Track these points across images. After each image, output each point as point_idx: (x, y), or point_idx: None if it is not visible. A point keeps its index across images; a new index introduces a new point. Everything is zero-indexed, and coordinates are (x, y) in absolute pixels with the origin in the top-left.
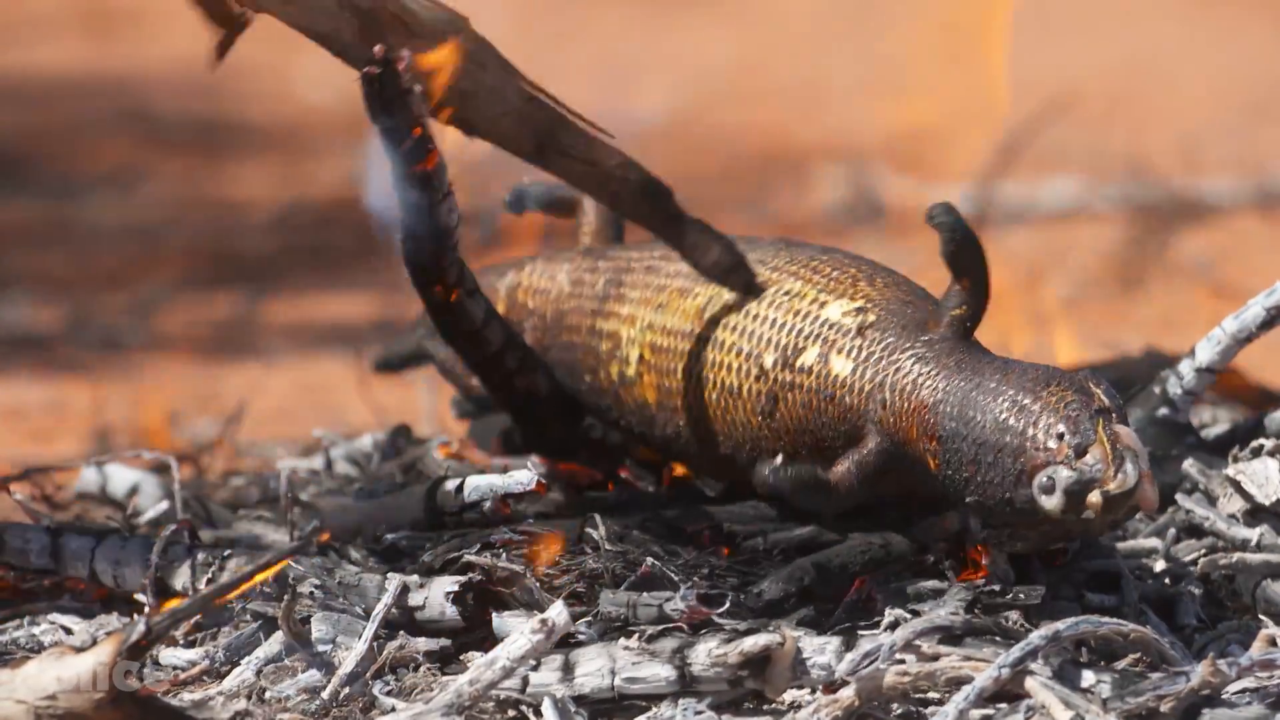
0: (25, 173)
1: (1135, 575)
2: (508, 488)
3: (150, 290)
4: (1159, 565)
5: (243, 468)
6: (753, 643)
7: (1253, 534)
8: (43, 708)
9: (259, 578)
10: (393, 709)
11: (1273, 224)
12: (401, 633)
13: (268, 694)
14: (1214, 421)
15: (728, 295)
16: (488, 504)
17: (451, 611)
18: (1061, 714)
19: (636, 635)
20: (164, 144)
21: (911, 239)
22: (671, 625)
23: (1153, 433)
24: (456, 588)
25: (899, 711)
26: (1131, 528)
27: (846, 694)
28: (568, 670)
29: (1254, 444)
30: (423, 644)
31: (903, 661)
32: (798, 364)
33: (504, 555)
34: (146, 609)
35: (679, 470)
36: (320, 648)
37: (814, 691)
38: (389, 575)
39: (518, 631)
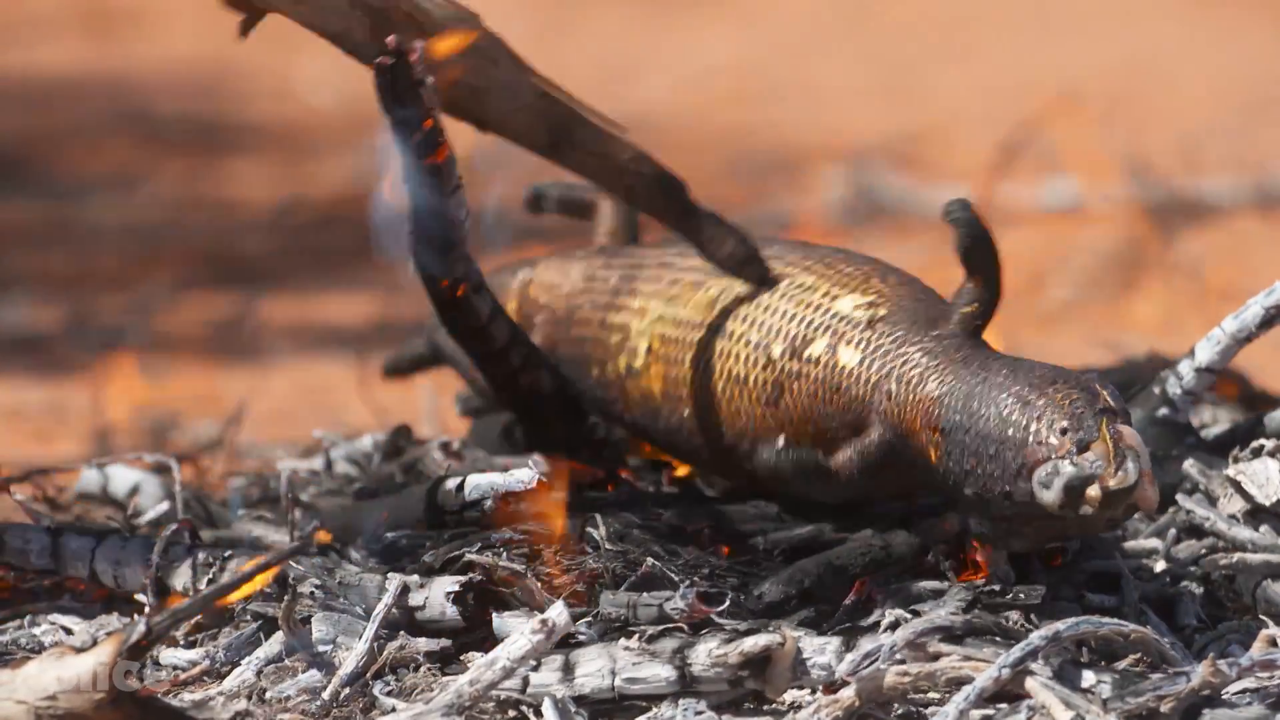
0: (25, 173)
1: (1135, 575)
2: (508, 486)
3: (150, 291)
4: (1159, 565)
5: (243, 468)
6: (753, 643)
7: (1253, 534)
8: (43, 708)
9: (259, 579)
10: (393, 709)
11: (1273, 224)
12: (402, 633)
13: (268, 694)
14: (1214, 421)
15: (740, 288)
16: (488, 502)
17: (452, 611)
18: (1062, 714)
19: (637, 635)
20: (164, 144)
21: (912, 239)
22: (672, 625)
23: (1153, 433)
24: (457, 588)
25: (899, 712)
26: (1131, 528)
27: (847, 694)
28: (568, 670)
29: (1254, 444)
30: (423, 644)
31: (903, 662)
32: (806, 354)
33: (504, 555)
34: (147, 609)
35: (680, 470)
36: (320, 648)
37: (814, 692)
38: (389, 575)
39: (518, 632)
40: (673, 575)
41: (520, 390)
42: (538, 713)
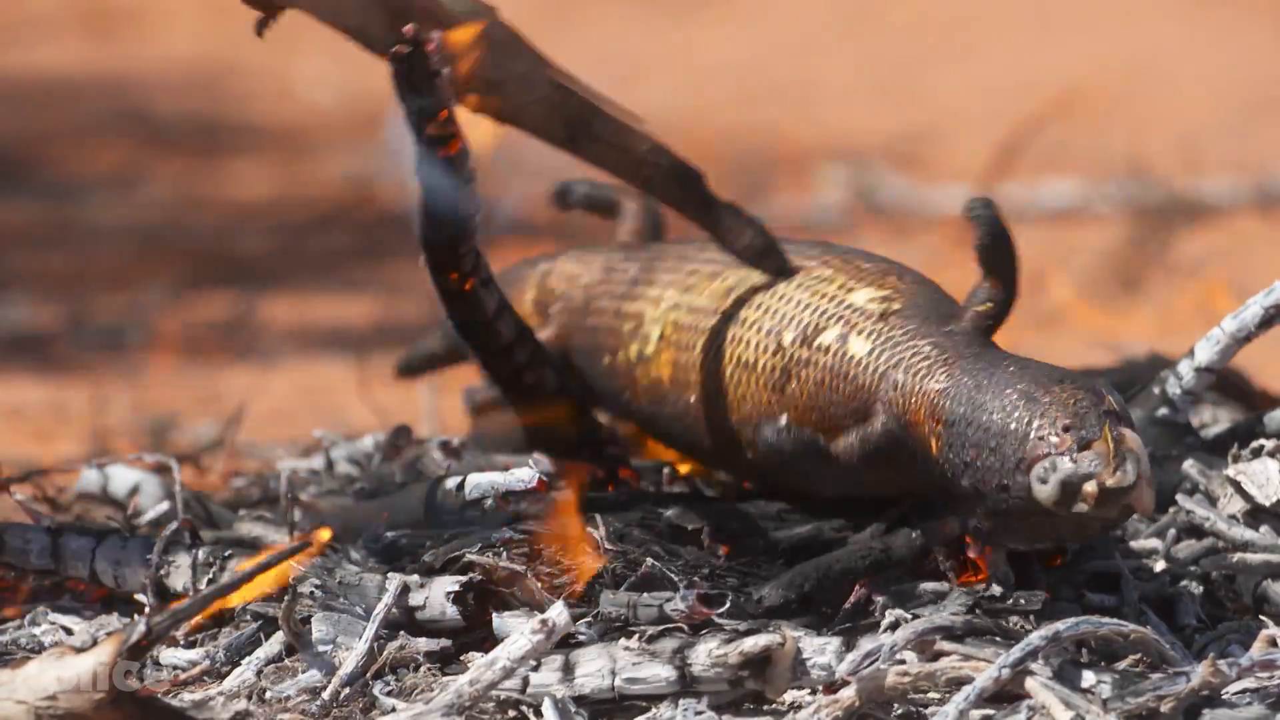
0: (25, 173)
1: (1135, 575)
2: (509, 485)
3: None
4: (1159, 565)
5: (243, 468)
6: (753, 643)
7: (1253, 534)
8: (43, 708)
9: (259, 579)
10: (393, 709)
11: (1273, 224)
12: (402, 633)
13: (268, 694)
14: (1214, 421)
15: (758, 278)
16: (489, 502)
17: (452, 611)
18: (1062, 714)
19: (637, 635)
20: (164, 144)
21: (912, 239)
22: (672, 625)
23: (1152, 433)
24: (457, 587)
25: (899, 712)
26: (1131, 528)
27: (847, 694)
28: (568, 670)
29: (1254, 444)
30: (423, 644)
31: (903, 662)
32: (816, 342)
33: (505, 555)
34: (147, 609)
35: (682, 469)
36: (320, 648)
37: (814, 692)
38: (389, 575)
39: (518, 632)
40: (673, 576)
41: (523, 387)
42: (538, 713)
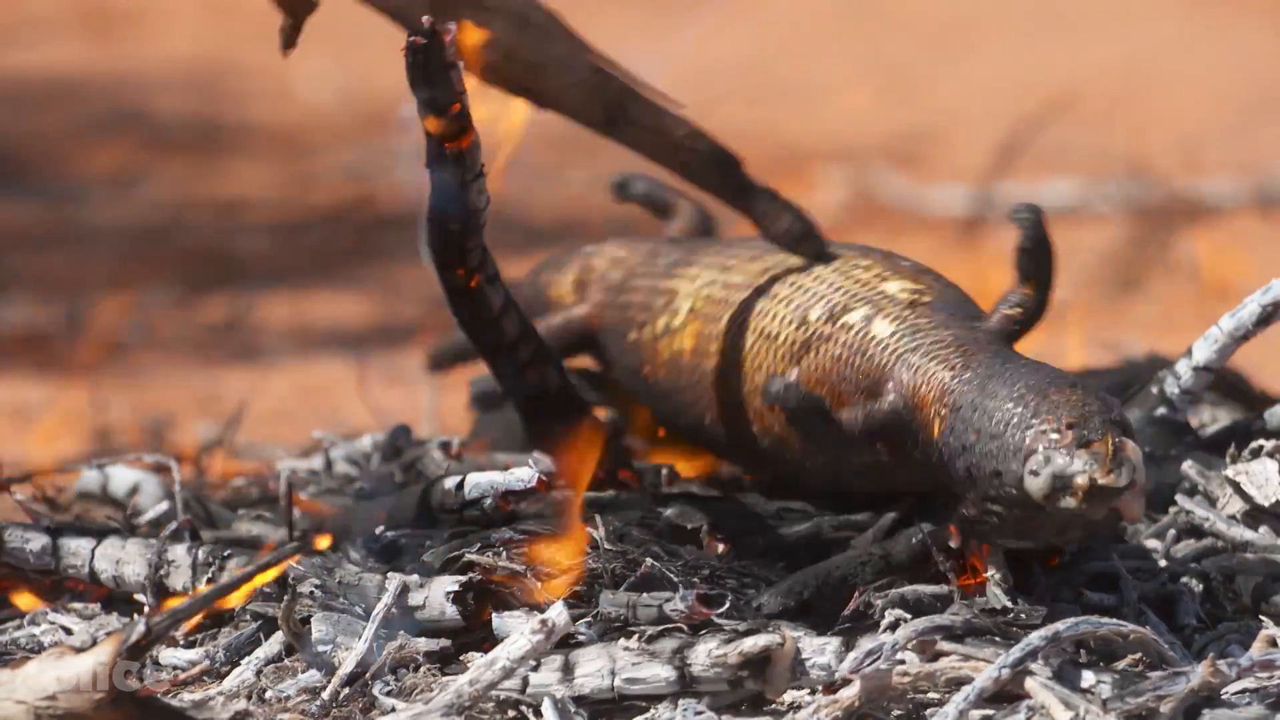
0: (25, 173)
1: (1135, 576)
2: (509, 485)
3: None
4: (1159, 566)
5: (243, 468)
6: (752, 643)
7: (1253, 535)
8: (43, 708)
9: (259, 579)
10: (393, 709)
11: (1273, 224)
12: (401, 633)
13: (268, 694)
14: (1213, 421)
15: (796, 261)
16: (488, 501)
17: (451, 611)
18: (1061, 714)
19: (636, 636)
20: (164, 144)
21: (912, 239)
22: (671, 625)
23: (1151, 432)
24: (457, 587)
25: (899, 712)
26: (1132, 528)
27: (847, 694)
28: (568, 671)
29: (1253, 445)
30: (423, 644)
31: (903, 662)
32: (842, 320)
33: (504, 555)
34: (147, 609)
35: (682, 472)
36: (320, 648)
37: (814, 692)
38: (389, 575)
39: (518, 632)
40: (672, 576)
41: (526, 385)
42: (537, 713)
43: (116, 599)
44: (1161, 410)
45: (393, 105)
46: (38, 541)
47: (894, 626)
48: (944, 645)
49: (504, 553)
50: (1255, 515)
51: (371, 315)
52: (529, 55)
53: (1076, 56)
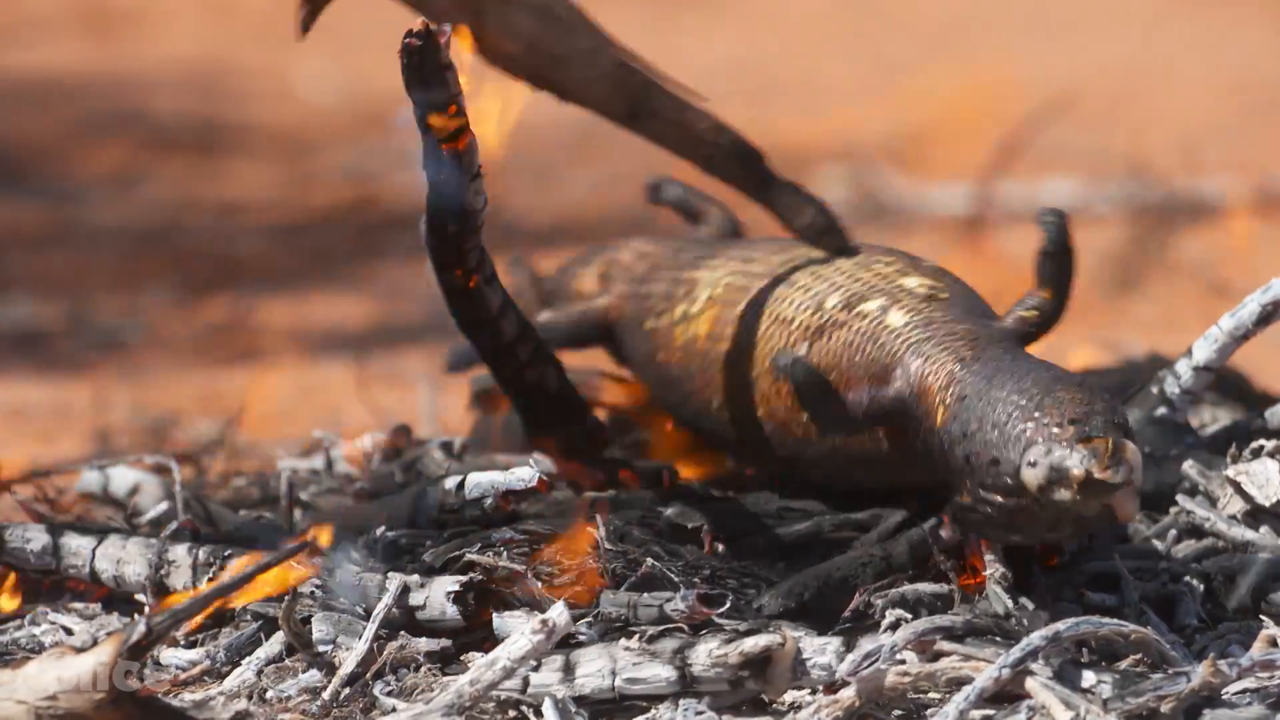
0: (25, 173)
1: (1136, 576)
2: (509, 484)
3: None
4: (1160, 566)
5: (243, 468)
6: (753, 643)
7: (1253, 535)
8: (43, 708)
9: (259, 579)
10: (393, 709)
11: (1273, 224)
12: (402, 633)
13: (268, 694)
14: (1213, 421)
15: (818, 254)
16: (489, 501)
17: (452, 611)
18: (1062, 714)
19: (637, 636)
20: (164, 144)
21: (912, 239)
22: (672, 625)
23: (1151, 432)
24: (457, 587)
25: (899, 712)
26: (1132, 529)
27: (847, 694)
28: (568, 671)
29: (1254, 445)
30: (423, 644)
31: (903, 662)
32: (858, 309)
33: (505, 555)
34: (147, 609)
35: (683, 472)
36: (321, 648)
37: (815, 692)
38: (389, 575)
39: (518, 632)
40: (673, 576)
41: (525, 385)
42: (538, 713)
43: (117, 599)
44: (1161, 410)
45: (392, 105)
46: (39, 541)
47: (894, 627)
48: (944, 645)
49: (504, 553)
50: (1256, 515)
51: (371, 315)
52: (552, 48)
53: (1076, 56)
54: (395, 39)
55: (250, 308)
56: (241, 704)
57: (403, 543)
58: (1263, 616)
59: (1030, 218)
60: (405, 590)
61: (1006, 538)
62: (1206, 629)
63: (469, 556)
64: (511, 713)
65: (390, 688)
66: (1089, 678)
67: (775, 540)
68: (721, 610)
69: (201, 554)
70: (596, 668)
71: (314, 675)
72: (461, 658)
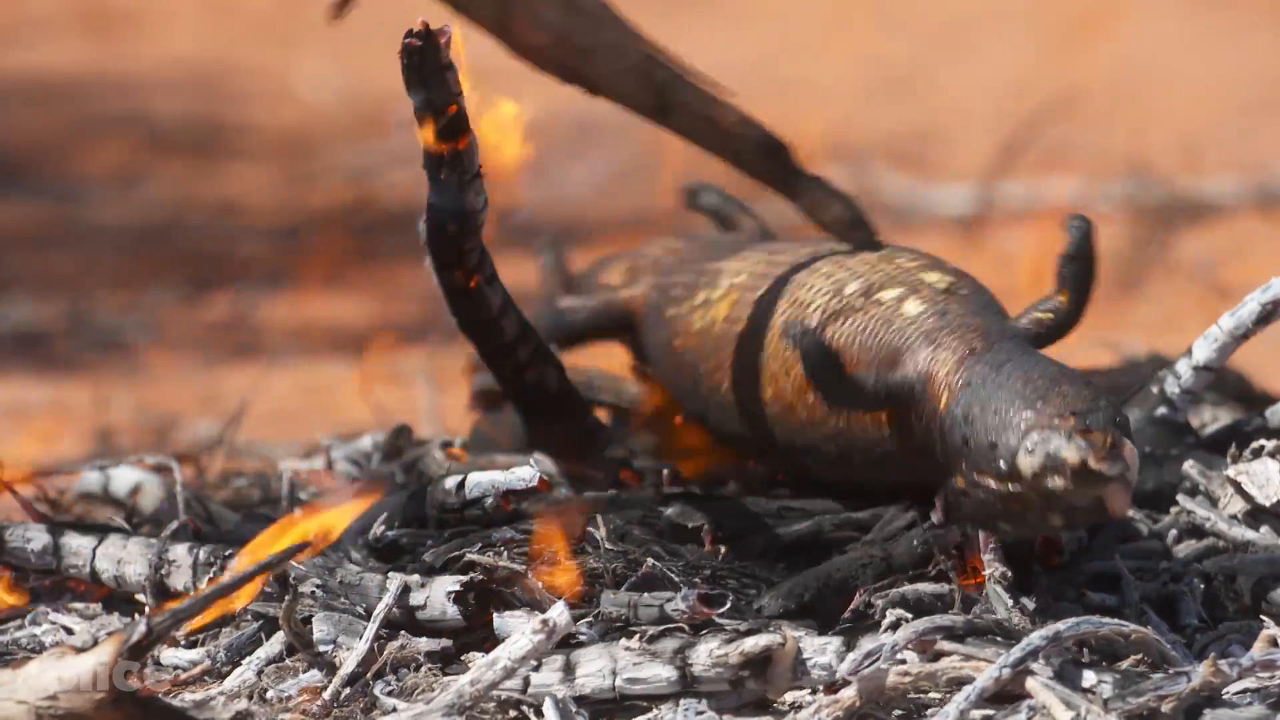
0: (25, 173)
1: (1136, 576)
2: (510, 484)
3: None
4: (1160, 566)
5: (244, 468)
6: (754, 643)
7: (1253, 535)
8: (44, 708)
9: (260, 578)
10: (394, 709)
11: (1273, 224)
12: (403, 633)
13: (269, 694)
14: (1214, 421)
15: (845, 249)
16: (489, 500)
17: (453, 611)
18: (1062, 714)
19: (637, 636)
20: (164, 144)
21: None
22: (672, 625)
23: (1151, 432)
24: (458, 587)
25: (900, 712)
26: (1133, 529)
27: (848, 694)
28: (569, 670)
29: (1254, 445)
30: (424, 644)
31: (904, 662)
32: (876, 296)
33: (505, 554)
34: (147, 609)
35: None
36: (321, 648)
37: (815, 692)
38: (390, 575)
39: (519, 632)
40: (673, 576)
41: (526, 385)
42: (538, 713)
43: (118, 599)
44: (1162, 410)
45: (393, 106)
46: (39, 541)
47: (895, 626)
48: (945, 645)
49: (505, 552)
50: (1256, 515)
51: (372, 315)
52: (580, 40)
53: (1076, 56)
54: (395, 39)
55: (251, 307)
56: (242, 704)
57: (403, 542)
58: (1264, 616)
59: (1030, 218)
60: (406, 590)
61: (995, 526)
62: (1207, 629)
63: (469, 556)
64: (512, 713)
65: (391, 688)
66: (1089, 677)
67: (775, 541)
68: (722, 610)
69: (202, 554)
70: (597, 668)
71: (314, 675)
72: (462, 658)
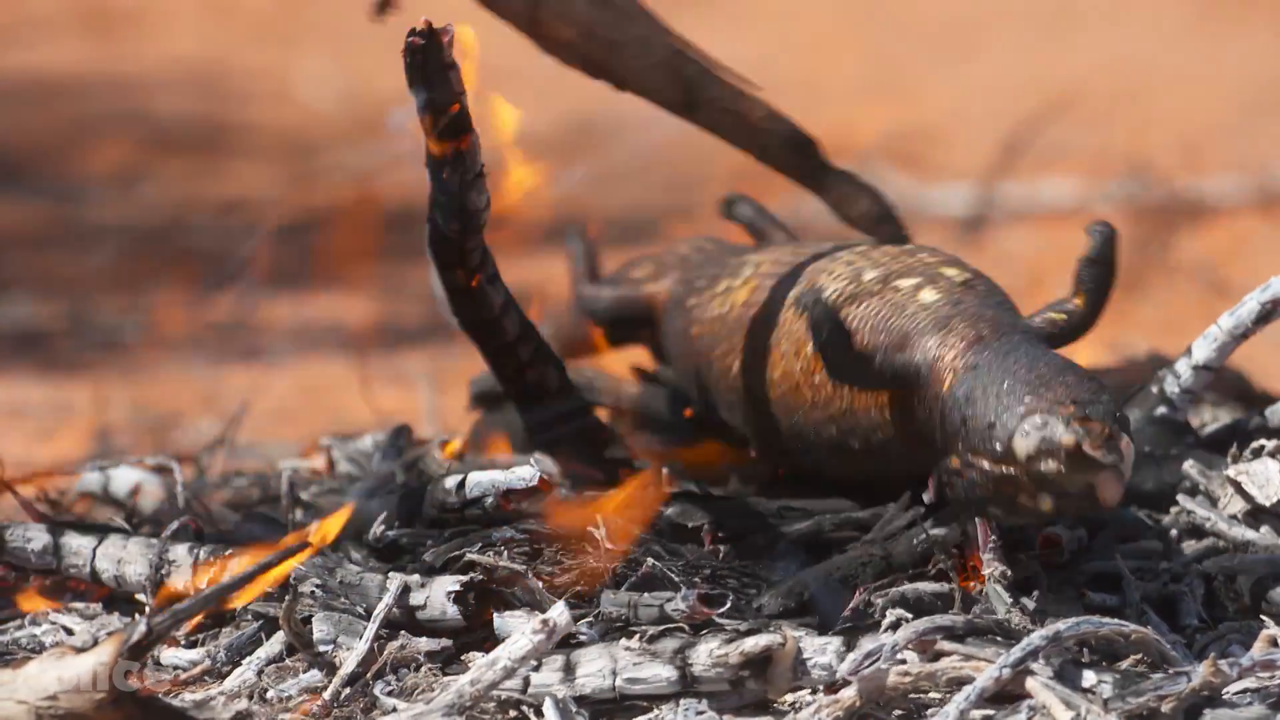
0: (25, 174)
1: (1136, 576)
2: (510, 484)
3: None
4: (1160, 566)
5: (244, 468)
6: (754, 643)
7: (1254, 535)
8: (44, 708)
9: (260, 578)
10: (394, 709)
11: (1273, 223)
12: (403, 633)
13: (269, 694)
14: (1213, 421)
15: (869, 244)
16: (490, 500)
17: (453, 611)
18: (1062, 714)
19: (638, 635)
20: (164, 144)
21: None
22: (673, 625)
23: (1151, 432)
24: (458, 587)
25: (900, 712)
26: (1133, 529)
27: (848, 694)
28: (569, 670)
29: (1254, 444)
30: (424, 644)
31: (904, 662)
32: (892, 284)
33: (505, 554)
34: (147, 609)
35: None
36: (321, 648)
37: (815, 692)
38: (390, 575)
39: (519, 632)
40: (673, 576)
41: (527, 384)
42: (539, 713)
43: (118, 599)
44: (1161, 410)
45: (393, 106)
46: (39, 541)
47: (895, 626)
48: (945, 645)
49: (505, 552)
50: (1256, 515)
51: (372, 315)
52: (609, 34)
53: (1076, 56)
54: (396, 39)
55: (251, 307)
56: (242, 704)
57: (403, 542)
58: (1264, 616)
59: (1030, 218)
60: (406, 590)
61: (985, 509)
62: (1207, 629)
63: (469, 556)
64: (512, 713)
65: (391, 688)
66: (1089, 677)
67: (776, 539)
68: (722, 610)
69: (202, 554)
70: (597, 668)
71: (314, 675)
72: (462, 658)
